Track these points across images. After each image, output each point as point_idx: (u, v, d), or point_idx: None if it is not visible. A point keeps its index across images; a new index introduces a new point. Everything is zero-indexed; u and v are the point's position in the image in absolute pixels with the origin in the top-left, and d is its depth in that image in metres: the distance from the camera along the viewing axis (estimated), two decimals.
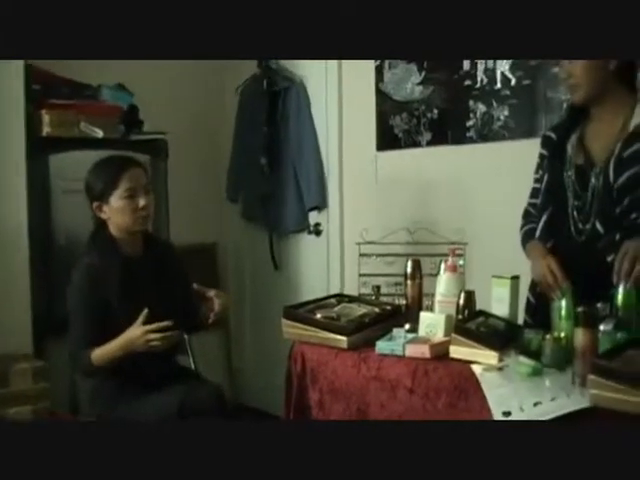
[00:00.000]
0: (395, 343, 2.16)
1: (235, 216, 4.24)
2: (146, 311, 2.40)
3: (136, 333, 2.40)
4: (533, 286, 2.29)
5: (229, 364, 4.32)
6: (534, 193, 2.38)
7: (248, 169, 4.06)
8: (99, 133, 3.36)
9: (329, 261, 3.79)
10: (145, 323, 2.42)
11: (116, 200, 2.52)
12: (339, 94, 3.71)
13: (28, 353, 3.00)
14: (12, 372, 2.81)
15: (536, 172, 2.39)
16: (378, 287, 2.90)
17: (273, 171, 3.94)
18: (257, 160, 3.96)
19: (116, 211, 2.53)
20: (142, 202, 2.53)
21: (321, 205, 3.79)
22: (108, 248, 2.56)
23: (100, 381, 2.55)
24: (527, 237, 2.37)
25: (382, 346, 2.17)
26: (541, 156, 2.37)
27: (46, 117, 3.23)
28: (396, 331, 2.26)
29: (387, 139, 3.49)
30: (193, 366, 3.13)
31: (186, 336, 3.10)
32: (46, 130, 3.24)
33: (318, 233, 3.85)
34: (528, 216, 2.41)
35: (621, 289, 1.93)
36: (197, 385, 2.60)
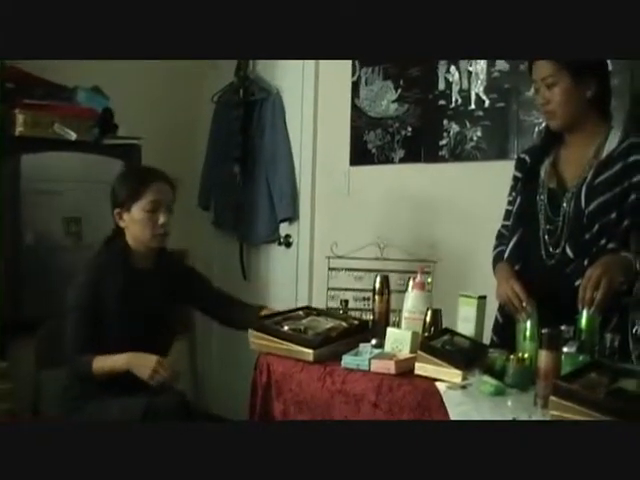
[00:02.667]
0: (361, 358, 2.17)
1: (206, 224, 4.24)
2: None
3: (150, 360, 2.37)
4: (502, 306, 2.31)
5: (194, 372, 4.29)
6: (507, 215, 2.42)
7: (221, 178, 4.06)
8: (73, 135, 3.32)
9: (298, 273, 3.80)
10: (145, 342, 2.44)
11: (138, 211, 2.51)
12: (315, 107, 3.73)
13: None
14: None
15: (510, 194, 2.42)
16: (346, 301, 2.92)
17: (246, 181, 3.94)
18: (230, 169, 3.97)
19: (135, 222, 2.52)
20: (162, 219, 2.53)
21: (292, 217, 3.80)
22: (120, 256, 2.56)
23: (70, 382, 2.54)
24: (497, 259, 2.40)
25: (348, 360, 2.18)
26: (515, 178, 2.41)
27: (19, 117, 3.20)
28: (362, 346, 2.28)
29: (360, 154, 3.52)
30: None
31: None
32: (19, 130, 3.20)
33: (288, 245, 3.86)
34: (500, 238, 2.44)
35: (585, 313, 1.97)
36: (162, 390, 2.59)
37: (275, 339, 2.31)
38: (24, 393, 2.80)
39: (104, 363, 2.41)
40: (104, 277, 2.50)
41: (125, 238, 2.57)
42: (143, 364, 2.38)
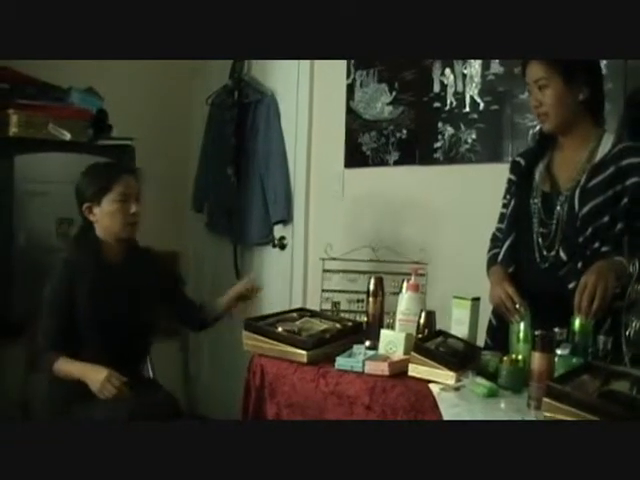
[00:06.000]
0: (354, 360, 2.17)
1: (199, 226, 4.23)
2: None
3: (101, 374, 2.39)
4: (495, 308, 2.32)
5: (186, 373, 4.29)
6: (501, 218, 2.42)
7: (215, 179, 4.06)
8: (67, 136, 3.33)
9: (292, 275, 3.80)
10: (119, 339, 2.49)
11: (108, 203, 2.56)
12: (309, 109, 3.73)
13: None
14: None
15: (504, 197, 2.43)
16: (338, 303, 2.92)
17: (240, 183, 3.94)
18: (224, 171, 3.97)
19: (107, 214, 2.57)
20: (133, 208, 2.59)
21: (286, 219, 3.80)
22: (91, 250, 2.60)
23: (56, 383, 2.53)
24: (491, 261, 2.41)
25: (341, 362, 2.18)
26: (509, 181, 2.41)
27: (13, 117, 3.20)
28: (356, 348, 2.28)
29: (355, 156, 3.52)
30: (151, 373, 3.09)
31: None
32: (13, 130, 3.21)
33: (282, 247, 3.86)
34: (495, 240, 2.44)
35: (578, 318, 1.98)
36: (150, 391, 2.60)
37: (269, 340, 2.31)
38: (13, 394, 2.80)
39: (63, 367, 2.45)
40: (77, 272, 2.53)
41: (95, 233, 2.61)
42: (94, 378, 2.40)
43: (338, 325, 2.48)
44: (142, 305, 2.65)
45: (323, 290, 3.20)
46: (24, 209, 3.19)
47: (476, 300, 2.26)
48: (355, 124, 3.51)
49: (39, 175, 2.96)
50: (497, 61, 2.97)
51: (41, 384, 2.60)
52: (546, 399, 1.69)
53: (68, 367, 2.45)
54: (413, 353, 2.08)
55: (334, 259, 3.20)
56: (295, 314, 2.58)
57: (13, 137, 3.21)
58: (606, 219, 2.11)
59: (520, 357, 1.97)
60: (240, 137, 3.93)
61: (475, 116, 3.06)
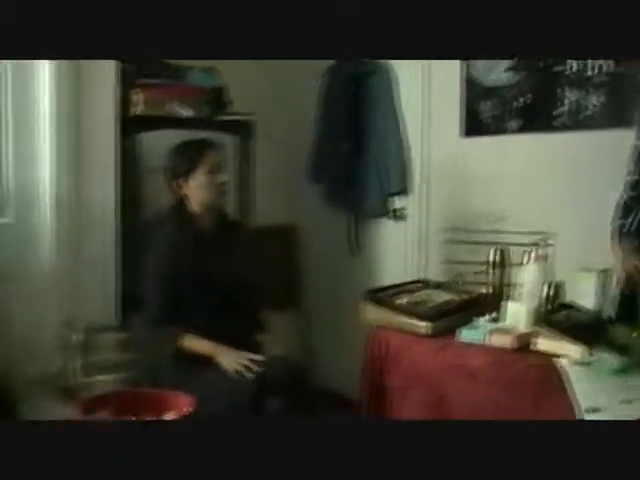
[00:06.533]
0: (478, 332, 2.15)
1: (317, 199, 4.26)
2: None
3: (235, 356, 2.52)
4: (623, 280, 2.23)
5: (306, 345, 4.35)
6: (631, 186, 2.32)
7: (331, 152, 4.06)
8: (188, 113, 3.41)
9: (410, 247, 3.77)
10: (215, 303, 2.62)
11: (199, 177, 2.72)
12: (425, 78, 3.67)
13: (113, 325, 3.09)
14: (98, 342, 2.90)
15: (630, 164, 2.32)
16: (461, 275, 2.88)
17: (356, 155, 3.93)
18: (340, 143, 3.96)
19: (198, 187, 2.72)
20: (222, 178, 2.75)
21: (403, 190, 3.77)
22: (186, 222, 2.75)
23: (181, 356, 2.61)
24: (617, 232, 2.31)
25: (465, 334, 2.16)
26: (636, 147, 2.30)
27: (137, 96, 3.30)
28: (478, 320, 2.24)
29: (474, 125, 3.44)
30: (270, 345, 3.15)
31: None
32: (137, 109, 3.30)
33: (400, 218, 3.83)
34: (621, 209, 2.34)
35: None
36: (275, 360, 2.65)
37: (390, 311, 2.31)
38: (143, 363, 2.88)
39: (193, 344, 2.56)
40: (175, 244, 2.69)
41: (187, 206, 2.75)
42: (227, 359, 2.51)
43: (460, 297, 2.45)
44: (237, 270, 2.76)
45: (443, 262, 3.16)
46: (149, 186, 3.28)
47: (604, 272, 2.18)
48: (473, 91, 3.42)
49: (163, 152, 3.04)
50: None
51: (165, 356, 2.69)
52: None
53: (197, 346, 2.57)
54: (539, 326, 2.04)
55: (454, 229, 3.15)
56: (415, 285, 2.57)
57: (137, 116, 3.30)
58: None
59: None
60: (355, 109, 3.91)
61: (599, 79, 2.93)
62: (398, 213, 3.82)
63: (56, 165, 3.04)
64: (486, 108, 3.38)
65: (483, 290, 2.58)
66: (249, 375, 2.46)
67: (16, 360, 2.86)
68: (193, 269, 2.65)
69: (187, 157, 2.75)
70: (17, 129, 3.01)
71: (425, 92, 3.67)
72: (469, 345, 2.11)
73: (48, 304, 3.04)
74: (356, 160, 3.93)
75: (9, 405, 2.56)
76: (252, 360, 2.49)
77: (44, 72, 3.01)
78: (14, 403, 2.58)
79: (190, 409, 2.13)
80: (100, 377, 2.84)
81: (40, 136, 3.04)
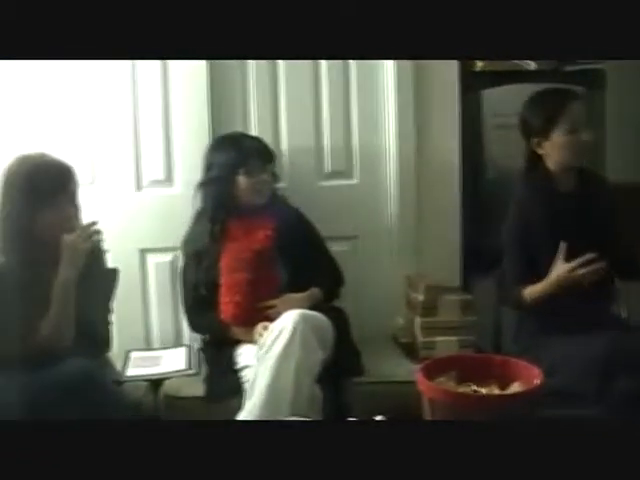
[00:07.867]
0: None
1: None
2: (563, 245, 2.42)
3: (560, 271, 2.42)
4: None
5: None
6: None
7: None
8: (532, 65, 3.28)
9: None
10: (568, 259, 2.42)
11: (558, 135, 2.51)
12: None
13: (457, 286, 3.08)
14: (441, 303, 2.91)
15: None
16: None
17: None
18: None
19: (557, 146, 2.52)
20: (585, 137, 2.50)
21: None
22: (544, 183, 2.58)
23: (524, 317, 2.58)
24: None
25: None
26: None
27: None
28: None
29: None
30: (625, 315, 2.91)
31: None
32: (479, 65, 3.24)
33: None
34: None
35: None
36: (626, 336, 2.43)
37: None
38: (486, 327, 2.89)
39: (533, 290, 2.48)
40: (529, 206, 2.55)
41: (545, 165, 2.57)
42: (558, 276, 2.42)
43: None
44: (595, 232, 2.53)
45: None
46: (493, 143, 3.24)
47: None
48: None
49: (506, 108, 2.95)
50: None
51: (511, 317, 2.68)
52: None
53: (536, 290, 2.48)
54: None
55: None
56: None
57: (479, 72, 3.25)
58: None
59: None
60: None
61: None
62: None
63: (398, 124, 3.09)
64: None
65: None
66: (588, 278, 2.39)
67: (364, 316, 2.99)
68: (547, 232, 2.52)
69: (543, 112, 2.54)
70: (360, 92, 3.11)
71: None
72: None
73: (393, 261, 3.15)
74: None
75: (359, 360, 2.67)
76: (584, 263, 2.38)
77: None
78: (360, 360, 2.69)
79: (538, 381, 2.03)
80: (440, 338, 2.85)
81: (382, 96, 3.10)
